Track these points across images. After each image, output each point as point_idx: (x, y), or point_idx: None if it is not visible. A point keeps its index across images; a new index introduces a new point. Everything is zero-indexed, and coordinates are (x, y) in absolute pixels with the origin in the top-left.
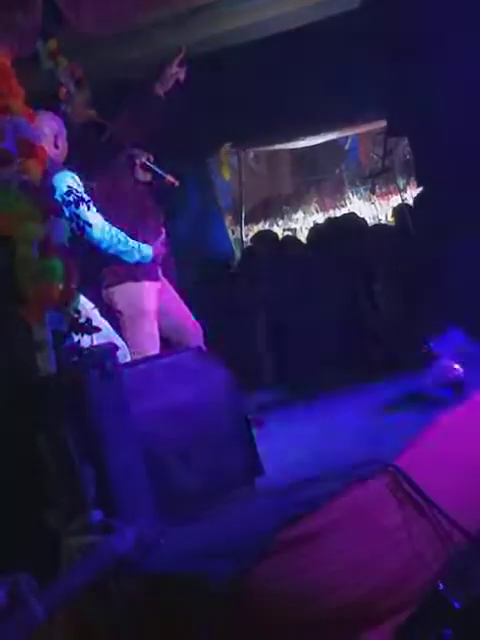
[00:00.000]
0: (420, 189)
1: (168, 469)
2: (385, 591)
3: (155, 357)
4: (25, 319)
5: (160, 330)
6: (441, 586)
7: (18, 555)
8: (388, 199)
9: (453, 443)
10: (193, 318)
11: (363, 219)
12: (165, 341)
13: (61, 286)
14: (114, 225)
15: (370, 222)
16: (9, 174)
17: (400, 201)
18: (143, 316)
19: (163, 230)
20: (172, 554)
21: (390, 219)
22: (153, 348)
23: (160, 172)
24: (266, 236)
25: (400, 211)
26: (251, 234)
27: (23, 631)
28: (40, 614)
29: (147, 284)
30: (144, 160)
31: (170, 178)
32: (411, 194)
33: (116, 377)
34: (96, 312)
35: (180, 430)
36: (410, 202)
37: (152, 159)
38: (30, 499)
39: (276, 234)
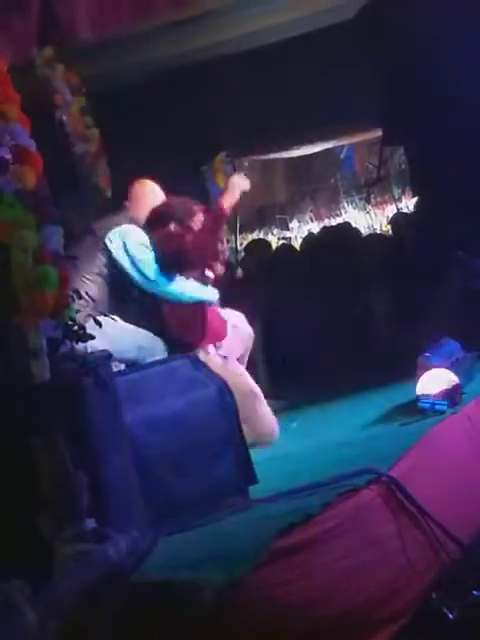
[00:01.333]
0: (415, 199)
1: (161, 477)
2: (378, 601)
3: (149, 365)
4: (20, 326)
5: None
6: (434, 596)
7: (11, 562)
8: (383, 208)
9: (447, 453)
10: None
11: (357, 229)
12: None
13: (56, 293)
14: None
15: (365, 231)
16: (3, 181)
17: (396, 210)
18: None
19: None
20: (165, 563)
21: (385, 228)
22: None
23: None
24: (259, 245)
25: (396, 220)
26: (245, 243)
27: (15, 638)
28: (32, 621)
29: None
30: None
31: None
32: (406, 204)
33: (110, 385)
34: None
35: (174, 438)
36: (406, 211)
37: None
38: (24, 506)
39: (269, 243)
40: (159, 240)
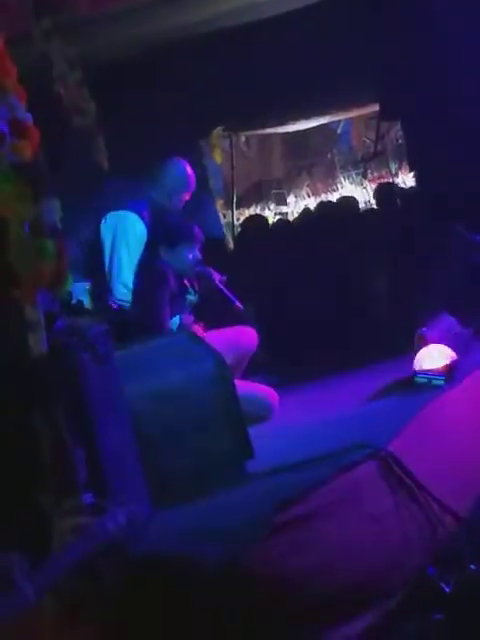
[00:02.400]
0: (412, 173)
1: (159, 451)
2: (375, 576)
3: (147, 340)
4: (17, 300)
5: None
6: (431, 570)
7: (9, 535)
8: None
9: (445, 428)
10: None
11: (356, 202)
12: None
13: (53, 266)
14: None
15: (362, 206)
16: (0, 154)
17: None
18: None
19: None
20: (163, 536)
21: (372, 200)
22: None
23: (230, 296)
24: (256, 220)
25: (380, 189)
26: (242, 218)
27: (13, 611)
28: (30, 595)
29: None
30: (217, 282)
31: (238, 304)
32: (403, 178)
33: (108, 359)
34: None
35: (172, 413)
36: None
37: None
38: (22, 480)
39: (266, 218)
40: None
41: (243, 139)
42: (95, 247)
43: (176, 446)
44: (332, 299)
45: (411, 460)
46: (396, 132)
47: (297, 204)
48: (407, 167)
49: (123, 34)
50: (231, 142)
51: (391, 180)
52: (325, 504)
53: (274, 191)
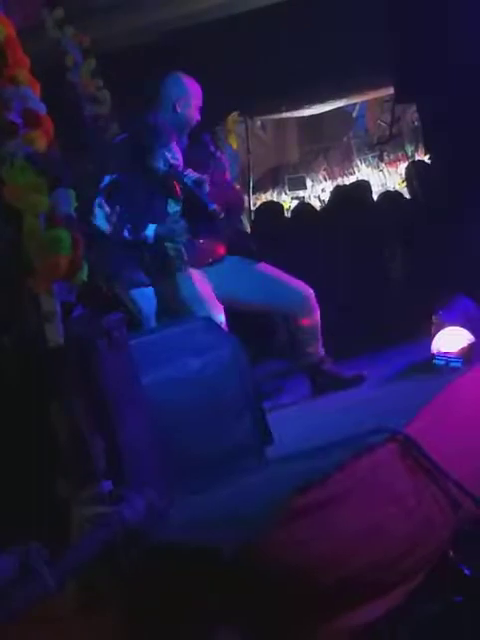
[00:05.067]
0: (428, 156)
1: (178, 439)
2: (395, 559)
3: (164, 327)
4: (33, 290)
5: None
6: (451, 553)
7: (29, 525)
8: (396, 166)
9: (462, 411)
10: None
11: (369, 186)
12: None
13: (69, 257)
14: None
15: (379, 190)
16: (14, 146)
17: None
18: None
19: None
20: (182, 524)
21: (399, 186)
22: None
23: (202, 197)
24: (272, 206)
25: (409, 172)
26: (259, 203)
27: (34, 600)
28: (51, 584)
29: None
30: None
31: (214, 206)
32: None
33: (125, 347)
34: None
35: (190, 400)
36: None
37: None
38: (41, 469)
39: (281, 205)
40: None
41: (259, 124)
42: None
43: (194, 434)
44: (348, 283)
45: (429, 443)
46: (412, 114)
47: (314, 188)
48: (423, 150)
49: (136, 22)
50: (246, 127)
51: (408, 163)
52: (343, 488)
53: (291, 176)
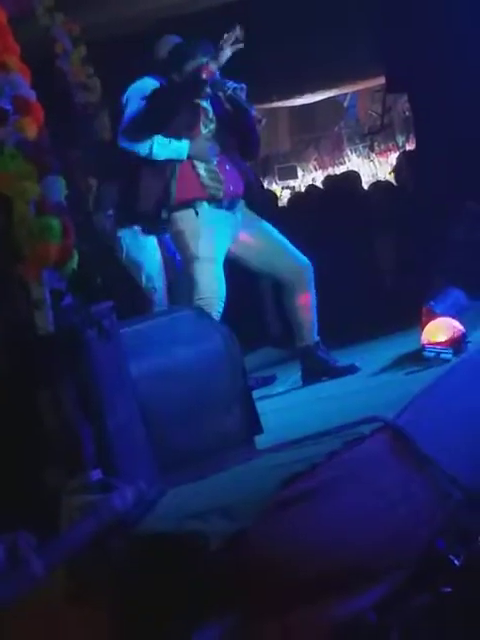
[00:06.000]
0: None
1: (167, 429)
2: (384, 549)
3: (154, 316)
4: (23, 278)
5: None
6: (440, 544)
7: (17, 513)
8: (387, 156)
9: (453, 401)
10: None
11: (360, 177)
12: None
13: (59, 245)
14: None
15: (369, 180)
16: (4, 133)
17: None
18: None
19: None
20: (171, 513)
21: (389, 176)
22: None
23: (243, 103)
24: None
25: (400, 162)
26: None
27: (22, 588)
28: (39, 572)
29: None
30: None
31: (254, 112)
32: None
33: (115, 336)
34: None
35: (179, 389)
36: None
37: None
38: (30, 457)
39: (274, 192)
40: None
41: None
42: None
43: (184, 423)
44: (339, 273)
45: (419, 434)
46: (403, 105)
47: (304, 178)
48: (414, 140)
49: (126, 10)
50: None
51: (399, 153)
52: (332, 478)
53: (281, 165)
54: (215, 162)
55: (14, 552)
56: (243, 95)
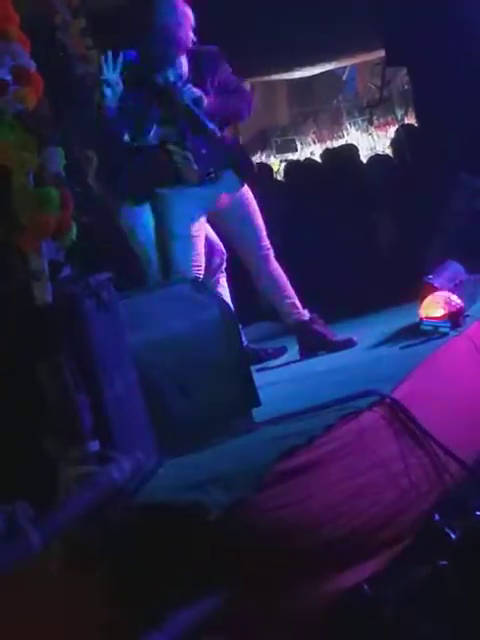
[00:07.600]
0: (417, 119)
1: (165, 400)
2: (381, 523)
3: (152, 288)
4: (21, 249)
5: None
6: (437, 517)
7: (15, 484)
8: (386, 130)
9: (450, 375)
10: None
11: (358, 150)
12: None
13: (58, 216)
14: None
15: (368, 153)
16: (3, 103)
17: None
18: None
19: None
20: (169, 484)
21: (388, 150)
22: None
23: (201, 117)
24: (261, 169)
25: (399, 135)
26: None
27: (19, 559)
28: (37, 543)
29: None
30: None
31: (212, 126)
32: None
33: (113, 307)
34: None
35: (177, 361)
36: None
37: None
38: (27, 428)
39: (271, 166)
40: None
41: (248, 86)
42: None
43: (182, 395)
44: (337, 247)
45: (417, 407)
46: (402, 78)
47: (303, 151)
48: (413, 113)
49: None
50: None
51: (397, 126)
52: (330, 451)
53: (279, 139)
54: (190, 145)
55: (12, 523)
56: (202, 107)
